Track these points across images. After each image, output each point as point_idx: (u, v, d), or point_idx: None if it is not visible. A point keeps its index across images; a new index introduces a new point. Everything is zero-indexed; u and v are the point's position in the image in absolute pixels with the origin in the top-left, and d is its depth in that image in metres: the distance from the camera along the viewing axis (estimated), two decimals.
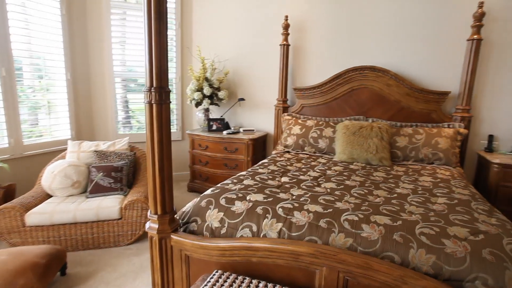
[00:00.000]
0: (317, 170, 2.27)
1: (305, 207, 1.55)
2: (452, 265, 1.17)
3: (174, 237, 1.53)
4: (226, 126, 3.48)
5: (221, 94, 3.35)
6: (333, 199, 1.68)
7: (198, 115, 3.58)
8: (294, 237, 1.40)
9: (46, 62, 3.15)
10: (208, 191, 1.80)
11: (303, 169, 2.29)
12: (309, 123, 2.88)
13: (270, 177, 2.08)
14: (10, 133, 2.84)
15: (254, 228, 1.48)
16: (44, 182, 2.45)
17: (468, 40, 2.42)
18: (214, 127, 3.41)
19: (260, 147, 3.36)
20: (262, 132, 3.42)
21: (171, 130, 3.98)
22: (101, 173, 2.54)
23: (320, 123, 2.84)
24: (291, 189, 1.83)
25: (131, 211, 2.31)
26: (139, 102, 3.85)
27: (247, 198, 1.67)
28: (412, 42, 2.70)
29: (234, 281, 1.26)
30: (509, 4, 2.37)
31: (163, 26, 1.41)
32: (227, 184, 1.90)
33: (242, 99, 3.41)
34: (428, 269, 1.19)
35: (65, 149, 2.96)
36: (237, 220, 1.53)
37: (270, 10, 3.23)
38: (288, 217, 1.48)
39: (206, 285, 1.25)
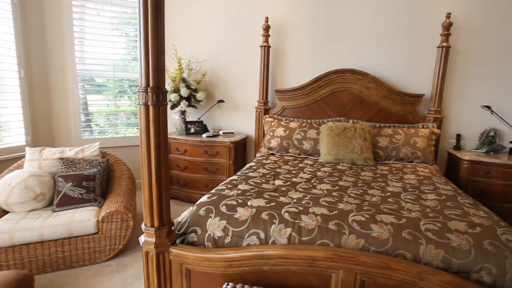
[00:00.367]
0: (307, 172, 2.27)
1: (310, 210, 1.53)
2: (460, 258, 1.23)
3: (173, 250, 1.41)
4: (204, 129, 3.35)
5: (199, 95, 3.22)
6: (334, 200, 1.68)
7: (174, 118, 3.40)
8: (305, 241, 1.37)
9: None
10: (204, 199, 1.70)
11: (293, 171, 2.28)
12: (293, 125, 2.89)
13: (263, 180, 2.03)
14: None
15: (262, 235, 1.42)
16: None
17: (438, 47, 2.61)
18: (192, 130, 3.26)
19: (240, 150, 3.29)
20: (243, 134, 3.36)
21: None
22: (70, 183, 2.28)
23: (304, 124, 2.86)
24: (289, 192, 1.80)
25: (110, 223, 2.10)
26: (98, 104, 3.52)
27: (248, 204, 1.60)
28: (389, 47, 2.85)
29: None
30: (472, 16, 2.61)
31: (160, 20, 1.30)
32: (222, 190, 1.81)
33: (222, 101, 3.32)
34: (439, 263, 1.24)
35: (21, 157, 2.62)
36: (242, 227, 1.46)
37: (250, 11, 3.19)
38: (296, 221, 1.44)
39: None
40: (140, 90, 1.32)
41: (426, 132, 2.56)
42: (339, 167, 2.42)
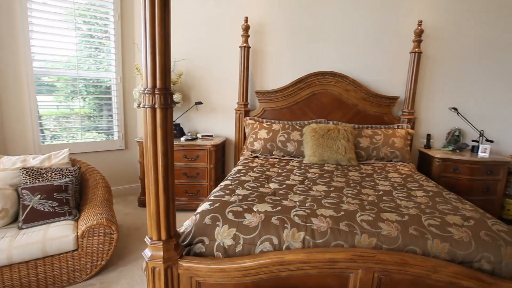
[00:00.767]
0: (297, 174, 2.29)
1: (318, 212, 1.54)
2: (463, 250, 1.33)
3: (183, 263, 1.32)
4: (181, 132, 3.21)
5: (176, 97, 3.07)
6: (335, 201, 1.71)
7: None
8: (320, 244, 1.36)
9: None
10: (205, 206, 1.61)
11: (283, 174, 2.28)
12: (275, 127, 2.89)
13: (258, 184, 1.99)
14: None
15: (275, 241, 1.39)
16: None
17: (410, 52, 2.82)
18: None
19: (220, 153, 3.21)
20: (222, 137, 3.28)
21: (114, 138, 3.45)
22: (39, 196, 2.01)
23: (287, 126, 2.88)
24: (289, 196, 1.79)
25: (91, 238, 1.89)
26: (47, 105, 3.04)
27: (254, 209, 1.56)
28: (366, 51, 3.00)
29: None
30: (441, 25, 2.87)
31: (168, 15, 1.20)
32: (222, 196, 1.73)
33: (200, 103, 3.20)
34: (445, 256, 1.32)
35: None
36: (254, 234, 1.41)
37: (229, 10, 3.12)
38: (307, 224, 1.44)
39: None
40: (146, 91, 1.21)
41: (403, 133, 2.75)
42: (326, 168, 2.48)
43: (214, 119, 3.36)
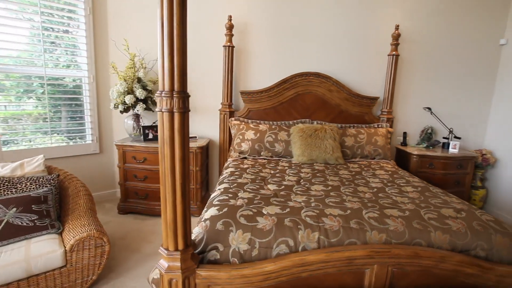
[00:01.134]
0: (291, 174, 2.31)
1: (326, 212, 1.57)
2: (461, 240, 1.45)
3: (201, 272, 1.27)
4: None
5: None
6: (338, 200, 1.76)
7: (127, 123, 3.01)
8: (334, 243, 1.40)
9: None
10: (213, 211, 1.57)
11: (277, 175, 2.29)
12: (262, 127, 2.90)
13: (257, 186, 1.99)
14: None
15: (291, 243, 1.40)
16: None
17: (388, 55, 3.00)
18: (151, 136, 2.95)
19: (205, 155, 3.13)
20: (206, 139, 3.20)
21: (86, 142, 3.18)
22: (14, 209, 1.80)
23: (273, 127, 2.90)
24: (291, 196, 1.81)
25: (81, 252, 1.74)
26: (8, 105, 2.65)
27: (264, 212, 1.55)
28: (347, 52, 3.12)
29: None
30: (415, 30, 3.08)
31: (185, 13, 1.15)
32: (227, 200, 1.70)
33: None
34: (447, 246, 1.43)
35: None
36: (269, 237, 1.40)
37: (211, 8, 3.05)
38: (320, 224, 1.47)
39: None
40: (163, 95, 1.14)
41: (384, 131, 2.92)
42: (316, 167, 2.55)
43: (196, 120, 3.26)
